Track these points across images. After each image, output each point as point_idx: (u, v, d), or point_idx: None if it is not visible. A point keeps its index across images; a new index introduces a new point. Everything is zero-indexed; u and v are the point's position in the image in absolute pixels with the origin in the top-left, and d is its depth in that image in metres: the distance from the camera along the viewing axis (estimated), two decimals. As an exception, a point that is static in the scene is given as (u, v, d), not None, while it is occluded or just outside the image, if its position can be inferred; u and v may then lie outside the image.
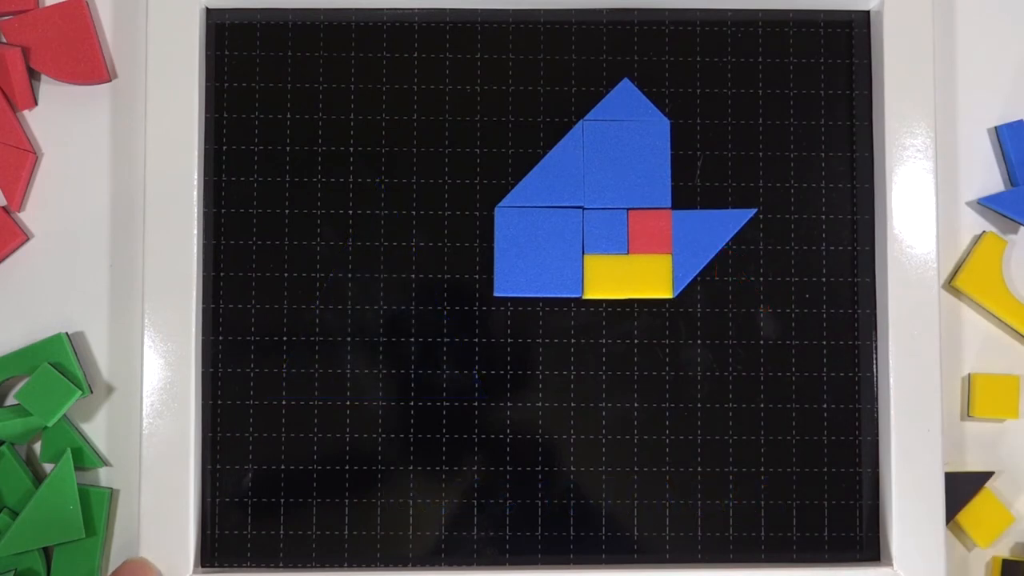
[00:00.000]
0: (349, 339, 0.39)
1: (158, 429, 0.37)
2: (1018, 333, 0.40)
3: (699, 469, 0.39)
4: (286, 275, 0.39)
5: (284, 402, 0.39)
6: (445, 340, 0.39)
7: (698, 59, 0.40)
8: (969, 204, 0.41)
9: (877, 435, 0.39)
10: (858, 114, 0.40)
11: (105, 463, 0.39)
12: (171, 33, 0.38)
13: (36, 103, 0.40)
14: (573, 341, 0.39)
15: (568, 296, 0.39)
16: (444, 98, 0.39)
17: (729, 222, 0.39)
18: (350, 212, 0.39)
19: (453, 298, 0.39)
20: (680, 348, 0.39)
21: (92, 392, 0.39)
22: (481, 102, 0.39)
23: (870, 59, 0.40)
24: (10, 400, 0.40)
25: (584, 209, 0.39)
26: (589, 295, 0.39)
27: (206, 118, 0.39)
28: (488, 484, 0.39)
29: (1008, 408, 0.40)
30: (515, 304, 0.39)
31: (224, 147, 0.39)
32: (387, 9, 0.39)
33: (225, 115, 0.39)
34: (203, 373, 0.38)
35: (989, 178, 0.41)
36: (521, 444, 0.39)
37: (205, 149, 0.39)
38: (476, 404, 0.39)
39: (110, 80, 0.40)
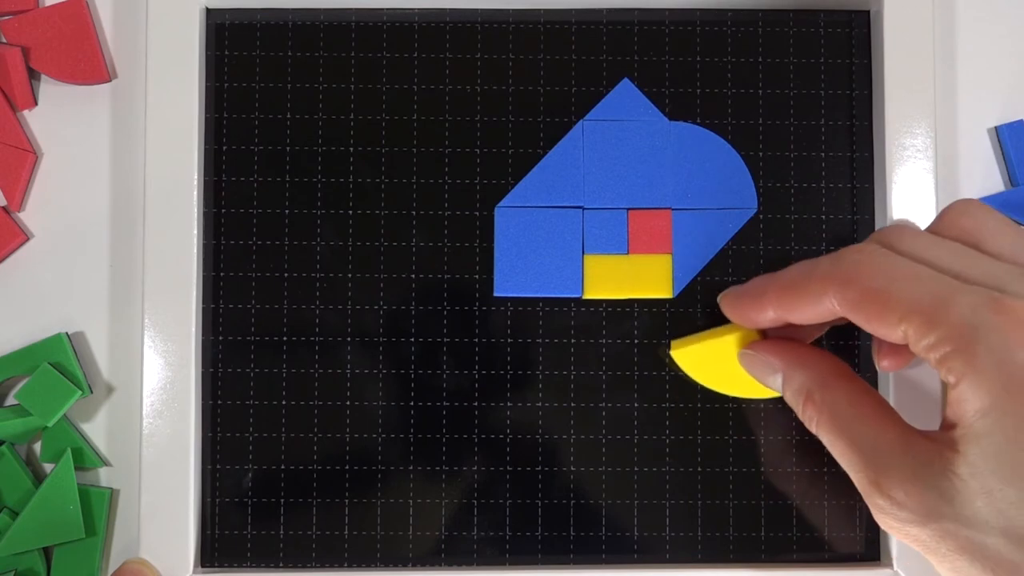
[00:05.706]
0: (349, 339, 0.39)
1: (158, 429, 0.37)
2: (1018, 333, 0.40)
3: (699, 469, 0.39)
4: (286, 275, 0.39)
5: (284, 402, 0.39)
6: (445, 340, 0.39)
7: (698, 59, 0.40)
8: (969, 204, 0.41)
9: (877, 435, 0.39)
10: (858, 114, 0.40)
11: (105, 463, 0.39)
12: (171, 33, 0.38)
13: (36, 103, 0.40)
14: (573, 341, 0.39)
15: (568, 296, 0.39)
16: (444, 98, 0.39)
17: (729, 222, 0.39)
18: (350, 212, 0.39)
19: (453, 298, 0.39)
20: (680, 348, 0.39)
21: (92, 392, 0.39)
22: (481, 102, 0.39)
23: (870, 59, 0.40)
24: (10, 400, 0.40)
25: (584, 209, 0.39)
26: (589, 295, 0.39)
27: (206, 118, 0.39)
28: (488, 484, 0.39)
29: (1008, 408, 0.40)
30: (515, 304, 0.39)
31: (224, 147, 0.39)
32: (387, 9, 0.39)
33: (225, 115, 0.39)
34: (203, 373, 0.38)
35: (989, 178, 0.41)
36: (521, 444, 0.39)
37: (205, 149, 0.39)
38: (476, 404, 0.39)
39: (110, 80, 0.40)
